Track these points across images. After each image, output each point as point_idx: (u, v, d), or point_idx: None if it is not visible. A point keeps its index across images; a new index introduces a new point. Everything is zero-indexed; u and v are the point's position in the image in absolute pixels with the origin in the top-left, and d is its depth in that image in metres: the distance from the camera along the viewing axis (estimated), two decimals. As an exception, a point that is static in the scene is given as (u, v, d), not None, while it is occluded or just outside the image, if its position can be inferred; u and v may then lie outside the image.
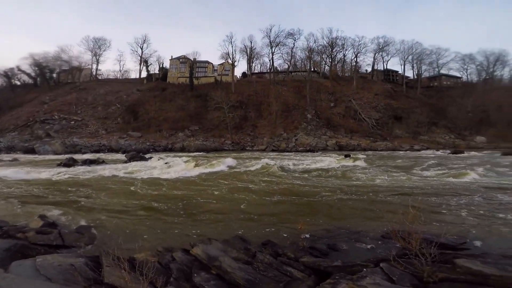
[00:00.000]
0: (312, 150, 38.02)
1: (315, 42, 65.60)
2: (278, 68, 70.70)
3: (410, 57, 67.00)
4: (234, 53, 63.07)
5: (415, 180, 12.11)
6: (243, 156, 26.09)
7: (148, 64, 68.99)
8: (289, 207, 7.76)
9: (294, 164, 18.10)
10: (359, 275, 2.95)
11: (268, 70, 67.71)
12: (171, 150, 35.48)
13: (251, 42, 65.54)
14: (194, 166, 16.20)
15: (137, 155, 22.27)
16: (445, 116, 54.01)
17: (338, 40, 66.03)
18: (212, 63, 68.50)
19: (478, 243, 5.08)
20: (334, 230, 5.76)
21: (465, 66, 69.49)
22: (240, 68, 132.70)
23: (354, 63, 69.07)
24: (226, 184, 10.88)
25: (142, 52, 67.98)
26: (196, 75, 63.40)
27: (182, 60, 66.72)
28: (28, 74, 65.73)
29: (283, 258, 3.91)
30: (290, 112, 50.63)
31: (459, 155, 29.84)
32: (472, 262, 3.14)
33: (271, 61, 65.44)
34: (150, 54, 69.00)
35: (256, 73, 70.62)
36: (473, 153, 32.23)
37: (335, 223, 6.20)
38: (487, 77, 67.73)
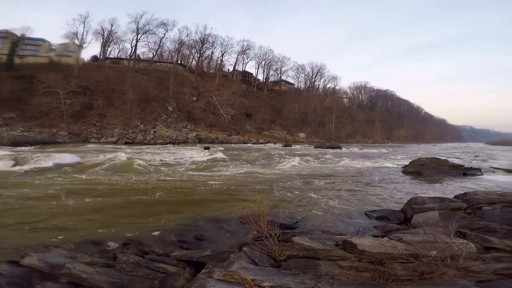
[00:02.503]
0: (172, 142, 38.07)
1: (187, 36, 65.41)
2: (141, 56, 65.25)
3: (263, 62, 78.88)
4: (85, 34, 52.90)
5: (260, 170, 14.14)
6: (87, 150, 22.68)
7: None
8: (150, 204, 7.23)
9: (152, 158, 17.28)
10: (228, 261, 3.15)
11: (128, 57, 61.09)
12: (-36, 143, 25.30)
13: (112, 25, 57.18)
14: (12, 165, 12.51)
15: None
16: (280, 116, 68.72)
17: (209, 37, 68.30)
18: (48, 42, 54.49)
19: (305, 221, 5.96)
20: (199, 221, 5.87)
21: (298, 75, 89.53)
22: (92, 51, 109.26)
23: (220, 62, 73.87)
24: (63, 185, 8.79)
25: None
26: (22, 54, 48.40)
27: (2, 34, 49.87)
28: None
29: (152, 255, 3.79)
30: (149, 102, 48.10)
31: (288, 147, 38.94)
32: (303, 238, 3.55)
33: (133, 47, 59.40)
34: None
35: (112, 58, 61.91)
36: (297, 146, 43.14)
37: (199, 215, 6.30)
38: (310, 86, 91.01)
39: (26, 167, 12.20)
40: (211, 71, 74.17)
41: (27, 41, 51.92)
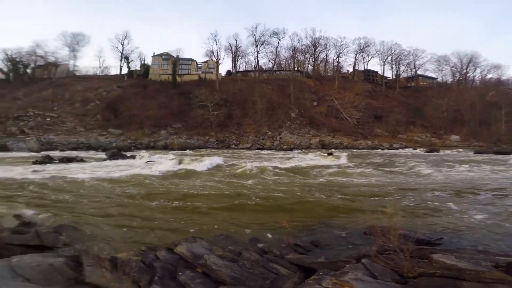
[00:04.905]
0: (296, 148, 38.67)
1: (299, 42, 66.49)
2: (263, 67, 71.19)
3: (389, 58, 69.41)
4: (218, 51, 63.09)
5: (393, 178, 12.44)
6: (230, 154, 26.19)
7: (129, 61, 67.19)
8: (274, 205, 7.75)
9: (280, 163, 18.10)
10: (342, 271, 2.99)
11: (253, 69, 67.80)
12: (153, 148, 34.74)
13: (236, 40, 65.51)
14: (179, 164, 15.95)
15: (118, 153, 21.75)
16: (422, 116, 56.62)
17: (321, 40, 67.21)
18: (196, 61, 67.99)
19: (453, 239, 5.11)
20: (317, 227, 5.83)
21: (440, 67, 72.70)
22: (225, 66, 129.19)
23: (336, 63, 70.53)
24: (214, 183, 10.58)
25: (123, 49, 66.52)
26: (180, 73, 62.54)
27: (165, 57, 65.67)
28: (0, 70, 61.93)
29: (269, 255, 3.90)
30: (274, 110, 51.10)
31: (435, 152, 31.19)
32: (447, 257, 3.21)
33: (256, 59, 65.80)
34: (132, 51, 67.62)
35: (241, 71, 70.33)
36: (448, 151, 33.80)
37: (318, 220, 6.27)
38: (461, 78, 71.43)
39: (190, 167, 14.89)
40: (328, 74, 71.36)
41: (181, 61, 66.08)
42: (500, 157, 23.26)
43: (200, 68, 66.86)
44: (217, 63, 61.47)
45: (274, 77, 64.10)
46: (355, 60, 70.95)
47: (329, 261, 3.52)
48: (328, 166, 16.47)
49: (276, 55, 66.99)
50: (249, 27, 69.33)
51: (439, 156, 25.78)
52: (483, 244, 4.90)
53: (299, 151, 34.95)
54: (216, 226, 5.72)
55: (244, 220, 6.20)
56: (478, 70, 70.89)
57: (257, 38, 63.63)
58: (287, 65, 70.06)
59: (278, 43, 65.20)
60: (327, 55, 70.68)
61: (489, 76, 71.42)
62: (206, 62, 65.47)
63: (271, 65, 69.02)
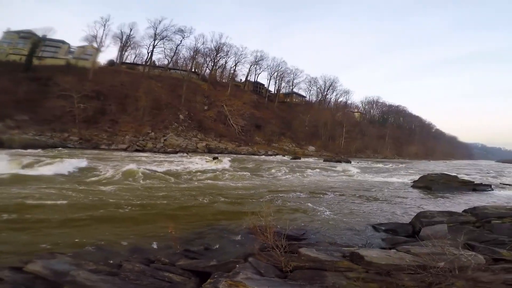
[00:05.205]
0: (182, 151, 37.23)
1: (203, 44, 65.34)
2: (157, 63, 65.27)
3: (275, 74, 78.48)
4: (104, 37, 53.20)
5: (267, 182, 14.08)
6: (95, 156, 21.80)
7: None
8: (154, 213, 7.20)
9: (159, 167, 16.88)
10: (234, 272, 3.05)
11: (144, 63, 61.34)
12: (-24, 145, 24.14)
13: (131, 30, 57.50)
14: (21, 167, 12.12)
15: None
16: (290, 128, 67.80)
17: (224, 47, 68.11)
18: (68, 44, 55.20)
19: (312, 233, 6.03)
20: (205, 230, 5.85)
21: (310, 88, 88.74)
22: (109, 55, 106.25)
23: (233, 71, 73.61)
24: (66, 191, 8.70)
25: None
26: (41, 55, 48.78)
27: (24, 34, 50.46)
28: None
29: (157, 264, 3.65)
30: (161, 110, 47.49)
31: (297, 160, 37.89)
32: (310, 250, 3.65)
33: (149, 53, 59.73)
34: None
35: (128, 63, 61.92)
36: (306, 159, 42.10)
37: (205, 224, 6.29)
38: (322, 99, 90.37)
39: (30, 172, 11.57)
40: (223, 80, 73.62)
41: (47, 43, 52.34)
42: (337, 164, 31.43)
43: (72, 52, 54.64)
44: (98, 49, 51.17)
45: (167, 75, 59.88)
46: (249, 71, 75.92)
47: (221, 263, 3.56)
48: (211, 170, 16.77)
49: (175, 53, 63.17)
50: (152, 19, 60.58)
51: (299, 163, 31.28)
52: (333, 237, 5.87)
53: (185, 154, 33.57)
54: (77, 240, 4.83)
55: (117, 231, 5.48)
56: (334, 93, 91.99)
57: (158, 32, 58.20)
58: (184, 64, 67.13)
59: (181, 41, 61.67)
60: (226, 62, 72.25)
61: (340, 99, 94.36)
62: (82, 47, 53.94)
63: (166, 62, 64.38)
